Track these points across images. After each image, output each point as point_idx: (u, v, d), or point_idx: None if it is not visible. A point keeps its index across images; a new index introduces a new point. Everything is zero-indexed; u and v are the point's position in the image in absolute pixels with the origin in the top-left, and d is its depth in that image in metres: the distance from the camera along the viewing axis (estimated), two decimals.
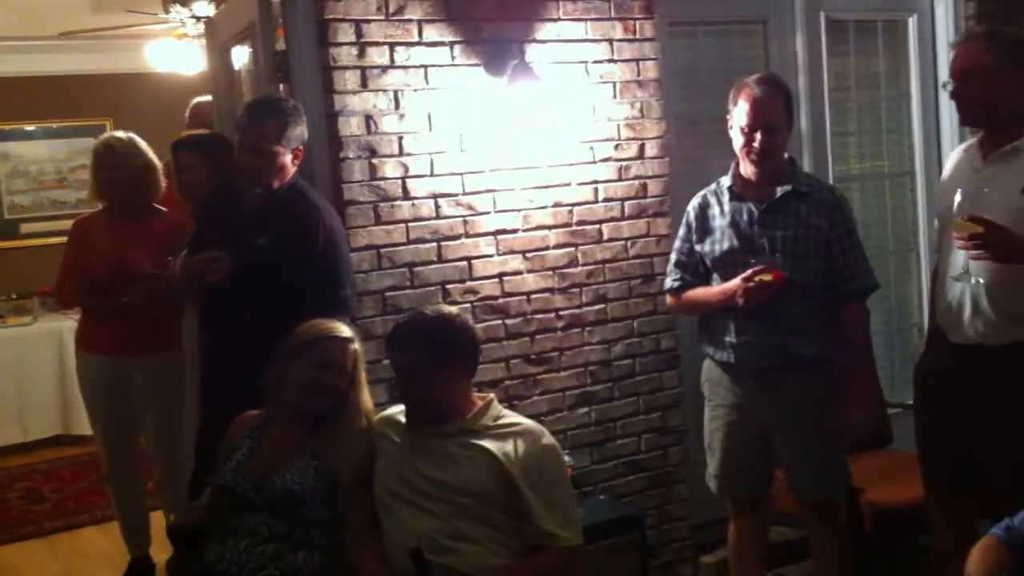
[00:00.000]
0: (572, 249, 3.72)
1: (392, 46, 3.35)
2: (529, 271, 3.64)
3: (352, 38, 3.29)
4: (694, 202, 3.31)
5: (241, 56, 3.77)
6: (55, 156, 7.08)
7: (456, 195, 3.48)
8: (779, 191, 3.13)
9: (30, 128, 7.01)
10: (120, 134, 3.95)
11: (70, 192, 7.00)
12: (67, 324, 6.10)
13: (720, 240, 3.20)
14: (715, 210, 3.24)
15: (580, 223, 3.72)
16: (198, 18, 5.23)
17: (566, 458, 3.45)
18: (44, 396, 6.24)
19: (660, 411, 3.94)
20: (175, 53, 5.87)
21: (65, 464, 5.89)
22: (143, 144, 3.91)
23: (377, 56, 3.33)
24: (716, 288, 3.21)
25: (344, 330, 2.77)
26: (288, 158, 3.07)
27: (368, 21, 3.31)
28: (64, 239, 4.07)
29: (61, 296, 4.02)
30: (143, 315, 3.67)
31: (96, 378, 3.87)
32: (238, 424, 2.83)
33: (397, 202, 3.39)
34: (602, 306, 3.79)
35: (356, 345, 2.78)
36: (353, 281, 3.19)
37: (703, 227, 3.25)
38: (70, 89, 6.92)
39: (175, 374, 3.65)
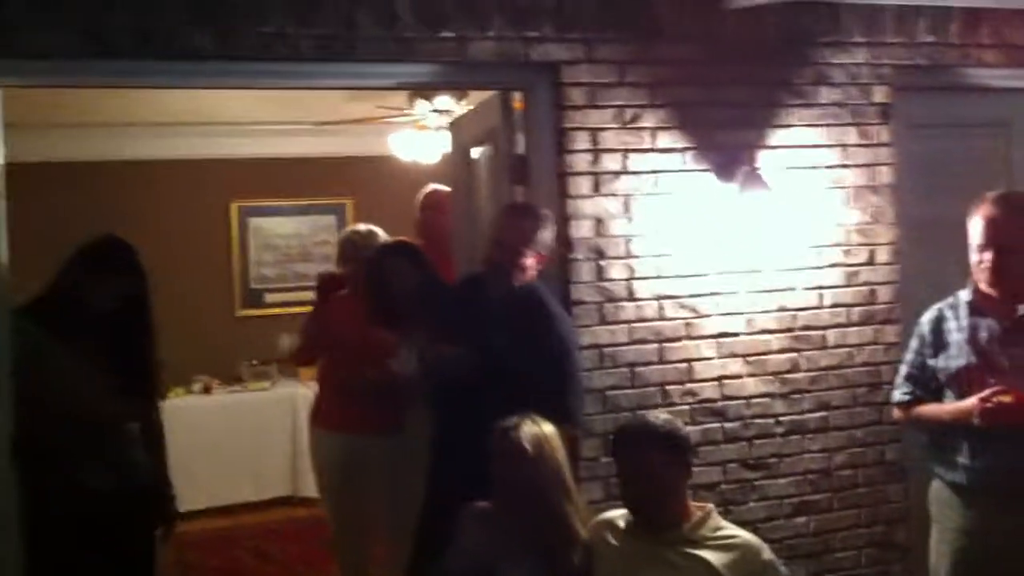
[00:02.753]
0: (795, 354, 3.68)
1: (625, 153, 3.46)
2: (750, 375, 3.62)
3: (588, 145, 3.42)
4: (929, 315, 3.21)
5: (481, 157, 3.96)
6: (299, 231, 7.53)
7: (680, 297, 3.53)
8: (1022, 310, 3.00)
9: (279, 206, 7.51)
10: (361, 228, 4.21)
11: (312, 266, 7.42)
12: (301, 391, 6.47)
13: (956, 356, 3.08)
14: (951, 324, 3.12)
15: (804, 328, 3.68)
16: (439, 111, 5.52)
17: (782, 569, 3.39)
18: (277, 457, 6.59)
19: (883, 525, 3.81)
20: (416, 142, 6.20)
21: (293, 524, 6.17)
22: (381, 234, 4.15)
23: (610, 162, 3.44)
24: (950, 406, 3.08)
25: (510, 420, 2.78)
26: (533, 260, 3.22)
27: (604, 129, 3.43)
28: (305, 309, 4.32)
29: (302, 351, 4.25)
30: (378, 395, 3.85)
31: (329, 455, 4.07)
32: (467, 512, 2.92)
33: (622, 303, 3.47)
34: (824, 413, 3.73)
35: (526, 436, 2.75)
36: (582, 394, 3.25)
37: (938, 341, 3.14)
38: (317, 169, 7.35)
39: (407, 454, 3.80)
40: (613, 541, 2.73)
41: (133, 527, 3.11)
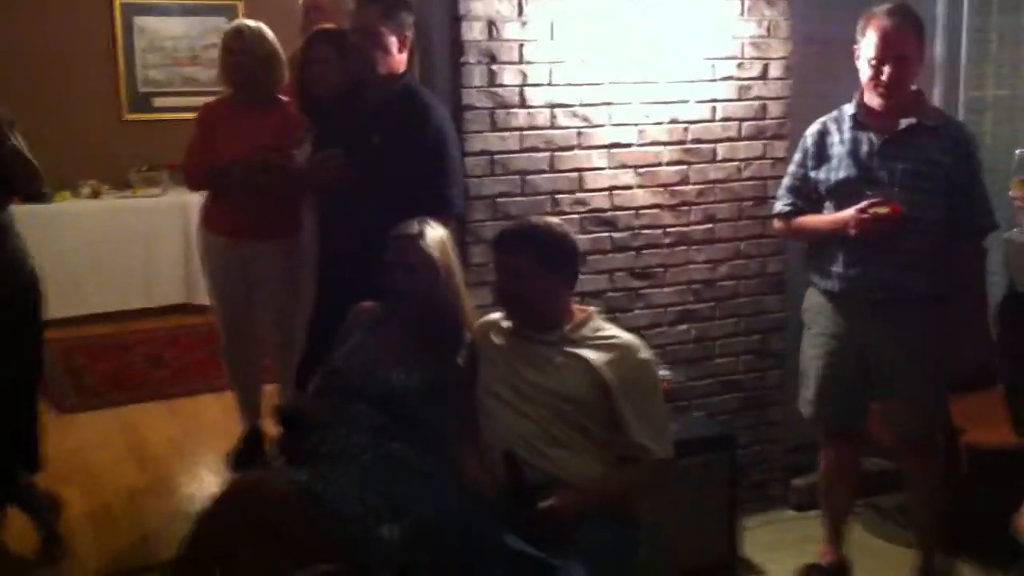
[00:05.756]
0: (685, 167, 3.70)
1: None
2: (640, 186, 3.65)
3: None
4: (813, 128, 3.27)
5: None
6: (189, 33, 7.23)
7: (573, 106, 3.49)
8: (903, 123, 3.06)
9: (166, 4, 7.15)
10: (249, 22, 4.04)
11: (202, 70, 7.16)
12: (194, 198, 6.27)
13: (837, 168, 3.16)
14: (834, 138, 3.19)
15: (695, 141, 3.70)
16: None
17: (663, 372, 3.51)
18: (169, 265, 6.54)
19: (761, 334, 3.95)
20: None
21: (187, 332, 6.16)
22: (270, 34, 4.00)
23: None
24: (828, 217, 3.18)
25: (411, 228, 2.80)
26: (393, 42, 3.15)
27: None
28: (196, 115, 4.18)
29: (190, 179, 4.15)
30: (264, 201, 3.79)
31: (216, 258, 4.02)
32: (354, 314, 2.95)
33: (513, 110, 3.41)
34: (710, 226, 3.79)
35: (431, 243, 2.79)
36: (461, 181, 3.26)
37: (820, 154, 3.21)
38: None
39: (292, 260, 3.78)
40: (497, 341, 2.78)
41: (17, 323, 3.04)
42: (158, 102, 7.20)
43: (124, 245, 6.43)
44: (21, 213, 3.22)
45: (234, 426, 4.33)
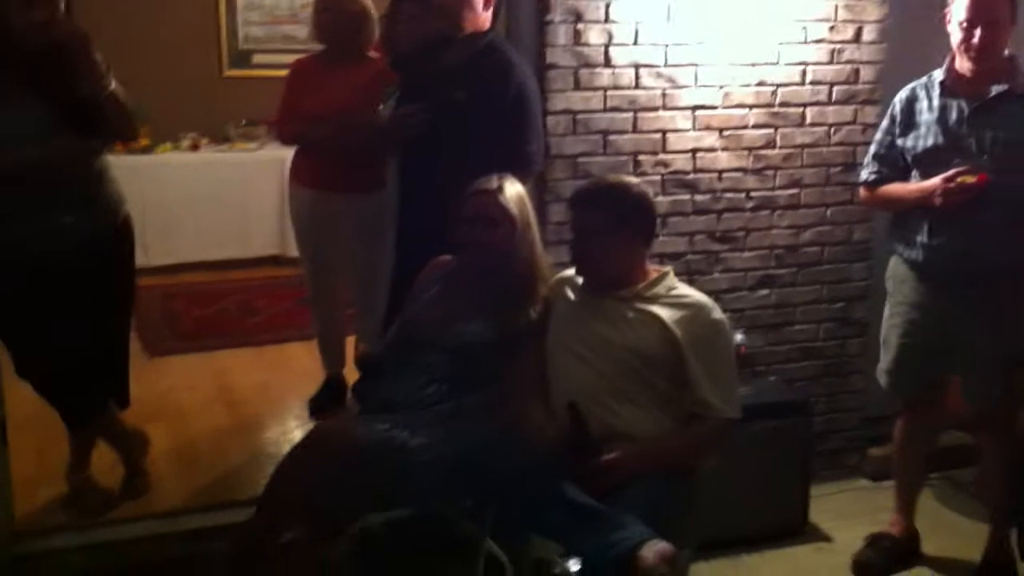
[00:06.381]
0: (771, 131, 3.67)
1: None
2: (724, 149, 3.63)
3: None
4: (901, 94, 3.21)
5: None
6: None
7: (657, 66, 3.48)
8: (994, 90, 2.99)
9: None
10: None
11: (300, 28, 7.25)
12: (289, 153, 6.36)
13: (925, 136, 3.10)
14: (923, 104, 3.13)
15: (783, 104, 3.66)
16: None
17: (740, 337, 3.52)
18: (265, 217, 6.67)
19: (844, 302, 3.92)
20: None
21: (279, 283, 6.27)
22: None
23: None
24: (914, 185, 3.13)
25: (490, 183, 2.81)
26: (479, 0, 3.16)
27: None
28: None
29: (280, 134, 4.26)
30: (350, 156, 3.86)
31: (304, 210, 4.11)
32: (430, 267, 3.00)
33: (597, 69, 3.42)
34: (796, 191, 3.76)
35: (511, 198, 2.81)
36: (541, 139, 3.26)
37: (908, 121, 3.16)
38: None
39: (377, 213, 3.85)
40: (571, 296, 2.82)
41: (109, 266, 3.15)
42: (257, 59, 7.32)
43: (221, 197, 6.59)
44: (124, 163, 3.32)
45: (319, 373, 4.44)
